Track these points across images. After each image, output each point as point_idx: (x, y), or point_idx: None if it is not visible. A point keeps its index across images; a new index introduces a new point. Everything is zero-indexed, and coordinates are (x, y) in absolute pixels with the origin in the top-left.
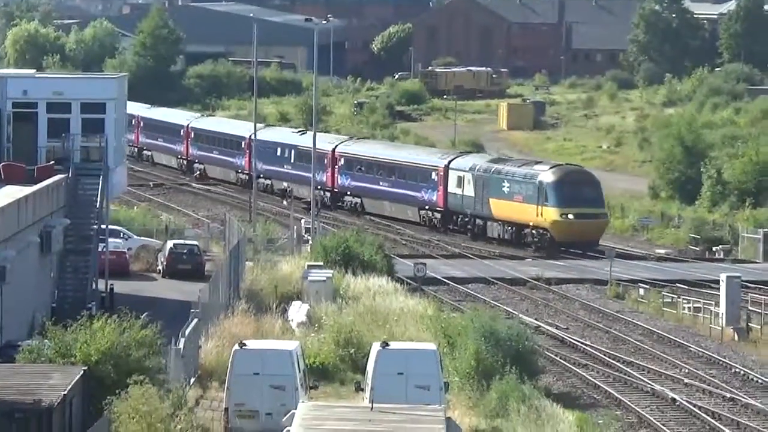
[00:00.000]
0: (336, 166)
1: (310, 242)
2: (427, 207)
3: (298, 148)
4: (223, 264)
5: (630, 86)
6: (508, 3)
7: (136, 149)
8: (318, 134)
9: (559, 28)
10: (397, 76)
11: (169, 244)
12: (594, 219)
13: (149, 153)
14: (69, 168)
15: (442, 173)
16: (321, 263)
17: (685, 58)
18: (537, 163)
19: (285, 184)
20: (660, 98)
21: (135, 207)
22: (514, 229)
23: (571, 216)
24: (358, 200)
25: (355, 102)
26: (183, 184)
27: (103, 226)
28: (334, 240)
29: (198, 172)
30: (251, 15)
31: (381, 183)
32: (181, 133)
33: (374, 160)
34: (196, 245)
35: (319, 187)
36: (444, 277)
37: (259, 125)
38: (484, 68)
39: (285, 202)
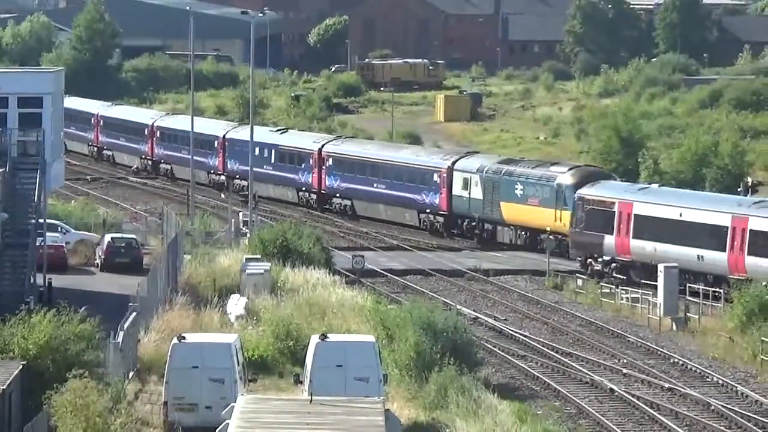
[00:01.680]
0: (323, 167)
1: (248, 235)
2: (428, 210)
3: (280, 148)
4: (162, 257)
5: (566, 77)
6: None
7: (95, 149)
8: (301, 133)
9: (495, 20)
10: (333, 69)
11: (107, 237)
12: None
13: (110, 153)
14: (6, 162)
15: (445, 174)
16: (259, 256)
17: (622, 48)
18: (554, 164)
19: (269, 187)
20: (597, 89)
21: (73, 201)
22: (528, 234)
23: None
24: (348, 202)
25: (292, 94)
26: (121, 177)
27: (41, 221)
28: (272, 233)
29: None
30: (188, 8)
31: (376, 185)
32: (146, 132)
33: (368, 160)
34: (134, 239)
35: (303, 188)
36: (382, 269)
37: (233, 123)
38: (420, 60)
39: (223, 195)
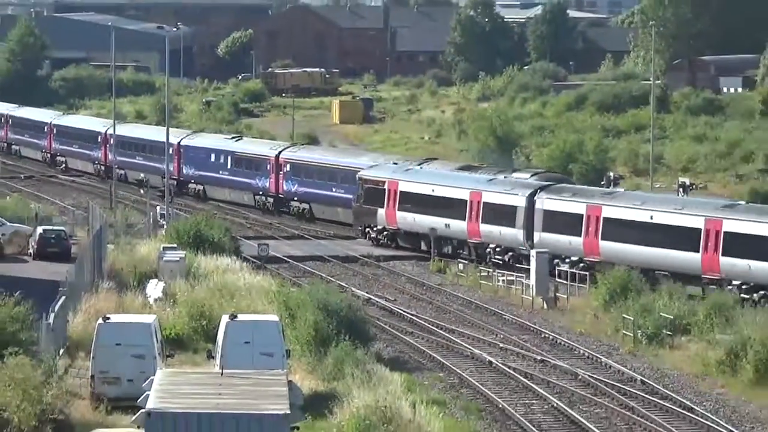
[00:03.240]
0: (281, 172)
1: (165, 226)
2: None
3: (236, 154)
4: (88, 247)
5: (448, 84)
6: (339, 10)
7: (49, 155)
8: (256, 140)
9: (384, 33)
10: (240, 77)
11: (39, 229)
12: None
13: (63, 159)
14: None
15: None
16: (175, 245)
17: (497, 57)
18: (515, 170)
19: (225, 191)
20: (475, 94)
21: (8, 197)
22: None
23: None
24: (307, 206)
25: (204, 100)
26: (51, 176)
27: None
28: (187, 224)
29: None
30: (110, 24)
31: (335, 189)
32: (99, 140)
33: (327, 166)
34: (63, 230)
35: (260, 192)
36: (285, 256)
37: (186, 131)
38: (318, 69)
39: (142, 191)
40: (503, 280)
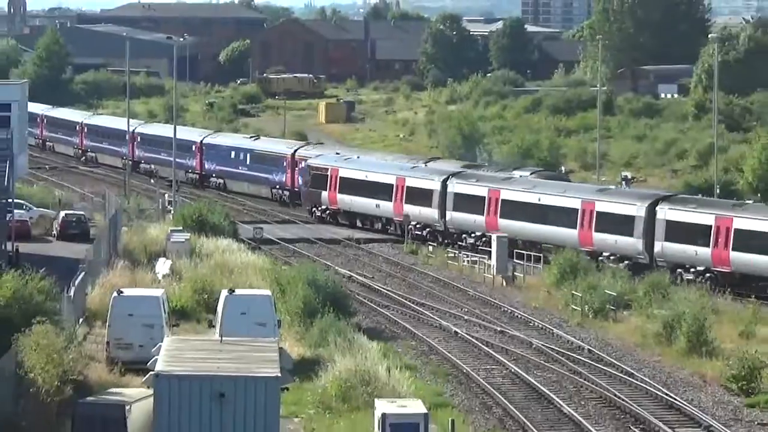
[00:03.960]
0: (297, 168)
1: (172, 212)
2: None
3: (255, 152)
4: (104, 229)
5: (421, 88)
6: (326, 23)
7: (80, 151)
8: (272, 139)
9: (365, 43)
10: (239, 81)
11: (62, 214)
12: None
13: (93, 154)
14: None
15: None
16: (181, 228)
17: (464, 66)
18: (516, 168)
19: (245, 185)
20: (444, 97)
21: (35, 185)
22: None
23: None
24: None
25: (207, 102)
26: (72, 167)
27: (10, 200)
28: (191, 210)
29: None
30: (125, 34)
31: None
32: (127, 137)
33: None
34: (83, 215)
35: (277, 186)
36: (277, 238)
37: (209, 131)
38: (307, 75)
39: (152, 181)
40: (468, 261)
